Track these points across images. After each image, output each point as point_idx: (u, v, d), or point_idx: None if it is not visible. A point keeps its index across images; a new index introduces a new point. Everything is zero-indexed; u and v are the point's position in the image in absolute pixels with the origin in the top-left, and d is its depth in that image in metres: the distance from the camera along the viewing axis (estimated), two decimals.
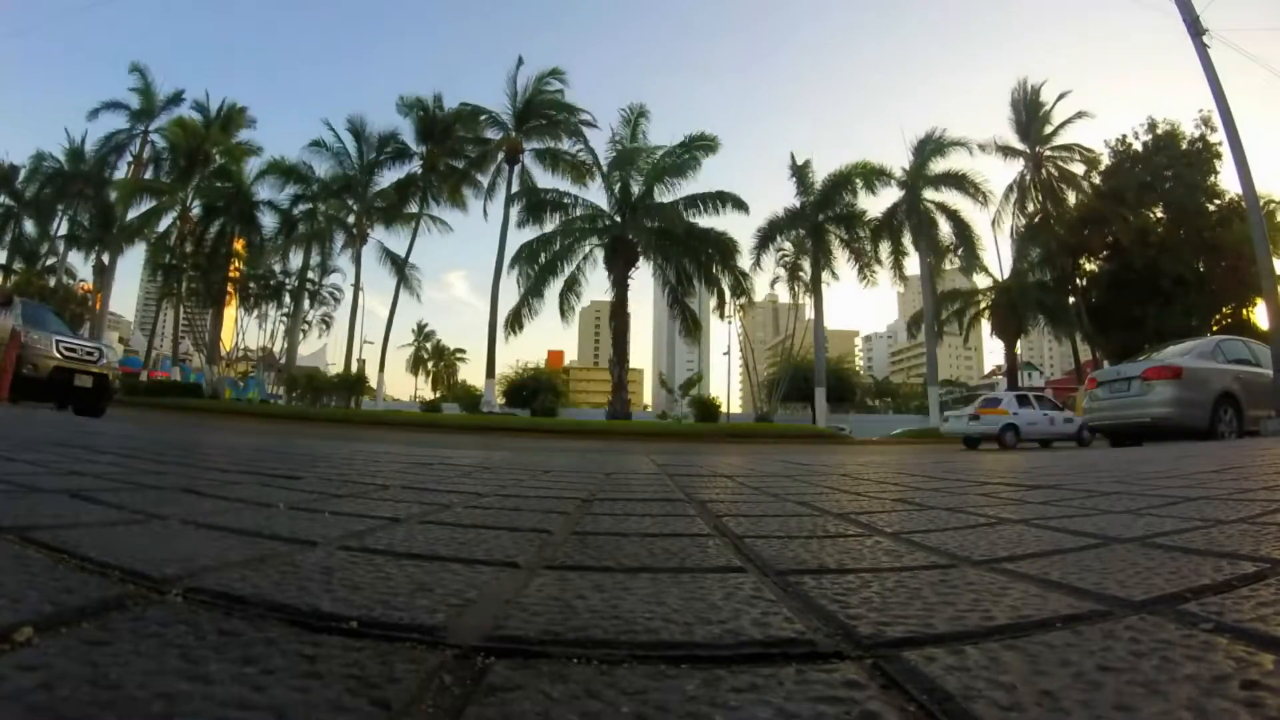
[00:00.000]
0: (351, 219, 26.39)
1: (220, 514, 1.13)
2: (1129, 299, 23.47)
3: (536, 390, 27.28)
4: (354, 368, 27.21)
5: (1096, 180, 26.18)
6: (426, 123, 25.16)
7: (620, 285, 22.43)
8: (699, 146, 22.98)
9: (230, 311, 30.48)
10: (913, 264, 26.29)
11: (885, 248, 25.25)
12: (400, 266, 25.83)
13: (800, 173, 24.82)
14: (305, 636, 0.51)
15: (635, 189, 22.74)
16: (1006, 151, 26.67)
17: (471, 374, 65.83)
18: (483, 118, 25.28)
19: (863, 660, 0.49)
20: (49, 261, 32.47)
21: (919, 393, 45.01)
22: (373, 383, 28.54)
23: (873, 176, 24.41)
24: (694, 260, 22.54)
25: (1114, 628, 0.55)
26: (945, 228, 25.07)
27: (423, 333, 70.26)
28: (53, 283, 30.83)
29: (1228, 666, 0.45)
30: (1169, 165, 24.42)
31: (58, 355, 8.36)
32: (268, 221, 27.58)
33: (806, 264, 24.89)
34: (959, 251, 25.03)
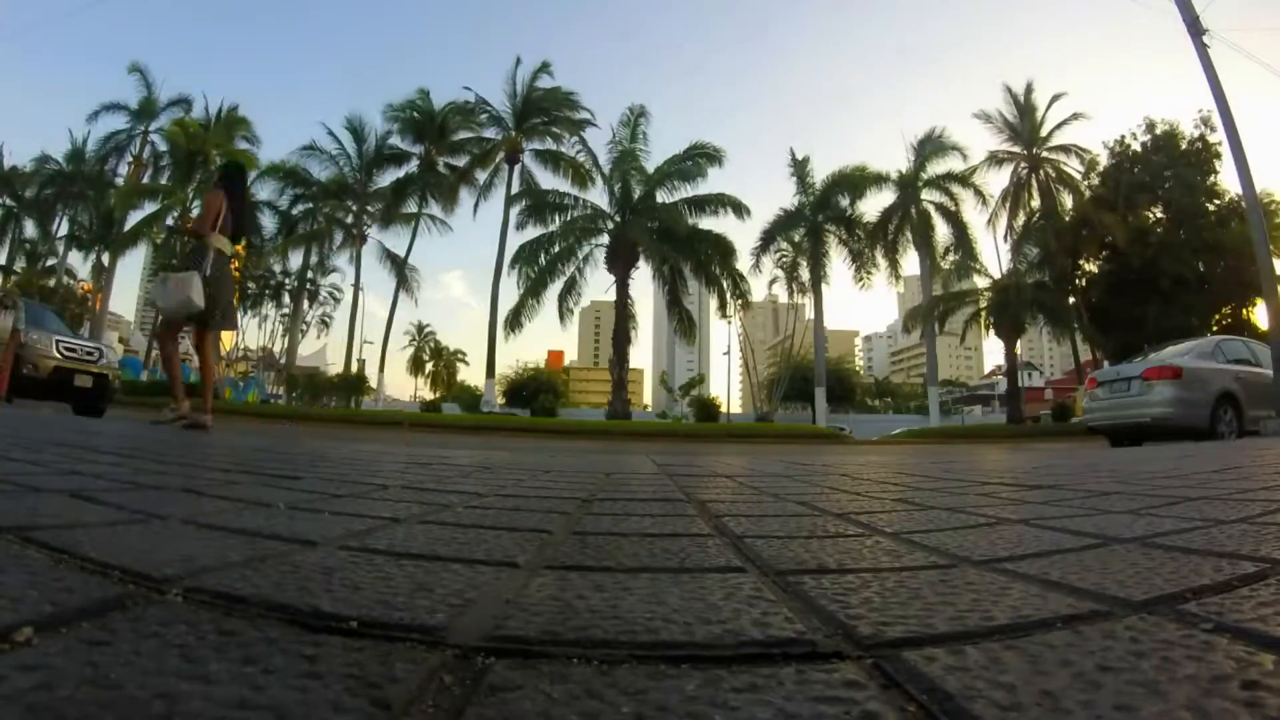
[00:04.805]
0: (350, 219, 26.39)
1: (220, 514, 1.13)
2: (1129, 299, 23.47)
3: (536, 390, 27.30)
4: (354, 368, 27.21)
5: (1095, 181, 26.18)
6: (423, 122, 25.17)
7: (621, 285, 22.46)
8: (702, 155, 23.04)
9: None
10: (912, 264, 26.34)
11: (883, 248, 25.29)
12: (400, 267, 25.84)
13: (800, 169, 24.85)
14: (305, 636, 0.51)
15: (636, 190, 22.76)
16: (1003, 155, 26.67)
17: (471, 374, 65.81)
18: (483, 115, 25.30)
19: (863, 660, 0.49)
20: (49, 262, 32.49)
21: (919, 393, 45.04)
22: (373, 383, 28.55)
23: (870, 182, 24.47)
24: (694, 261, 22.58)
25: (1114, 628, 0.55)
26: (943, 229, 25.11)
27: (422, 333, 70.25)
28: (53, 283, 30.84)
29: (1228, 666, 0.45)
30: (1168, 165, 24.42)
31: (58, 355, 8.36)
32: (267, 222, 27.61)
33: (805, 264, 24.93)
34: (957, 252, 25.05)
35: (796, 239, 25.00)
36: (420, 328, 70.23)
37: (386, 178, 26.49)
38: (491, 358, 24.00)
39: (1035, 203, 26.72)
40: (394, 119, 25.26)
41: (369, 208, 26.20)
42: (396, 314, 31.95)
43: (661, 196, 22.90)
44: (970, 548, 0.96)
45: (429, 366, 70.23)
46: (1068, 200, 26.61)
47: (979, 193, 25.61)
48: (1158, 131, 25.24)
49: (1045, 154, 26.75)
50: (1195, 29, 11.31)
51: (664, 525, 1.21)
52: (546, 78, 24.84)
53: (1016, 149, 26.81)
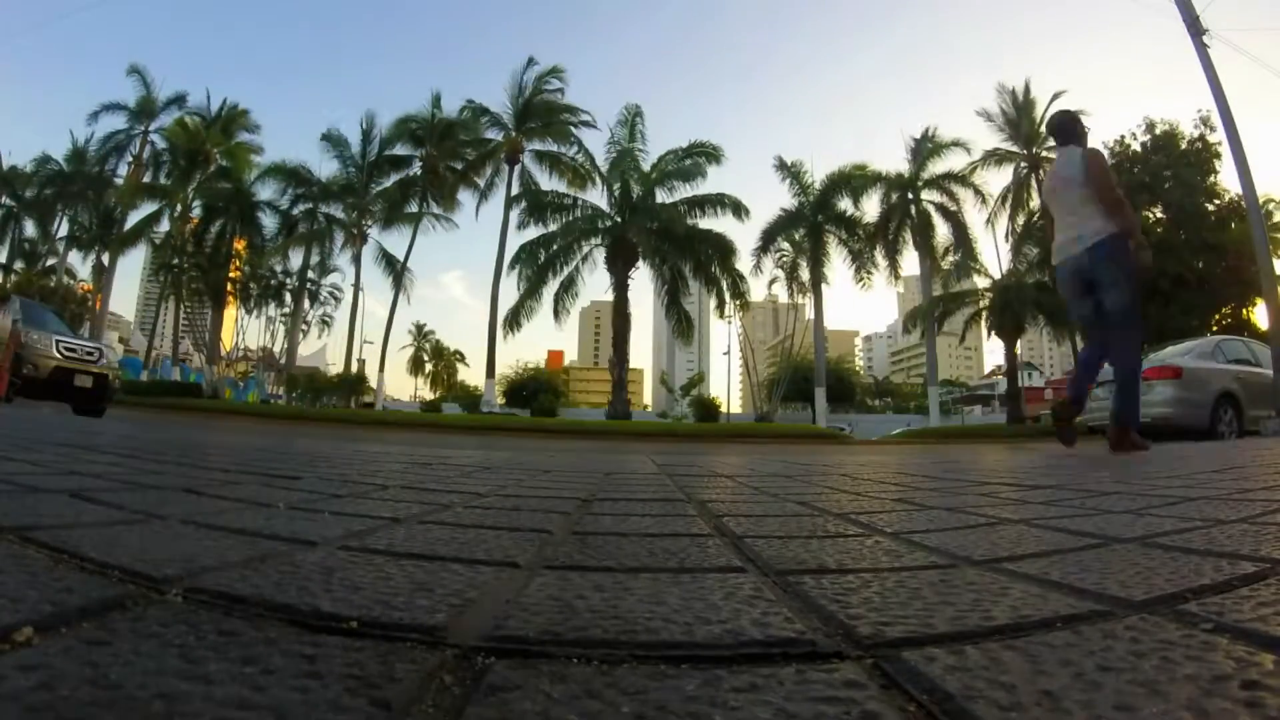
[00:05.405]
0: (353, 216, 26.42)
1: (220, 514, 1.13)
2: None
3: (536, 390, 27.33)
4: (354, 368, 27.22)
5: None
6: (427, 128, 25.23)
7: (620, 285, 22.46)
8: (701, 153, 23.04)
9: (230, 311, 30.47)
10: (911, 264, 26.36)
11: (883, 248, 25.30)
12: (398, 271, 25.87)
13: (789, 173, 24.85)
14: (305, 636, 0.51)
15: (635, 190, 22.77)
16: (1002, 154, 26.67)
17: (471, 374, 65.81)
18: (484, 119, 25.31)
19: (863, 660, 0.49)
20: (49, 262, 32.50)
21: (919, 393, 45.07)
22: (373, 383, 28.57)
23: (870, 181, 24.48)
24: (693, 261, 22.58)
25: (1114, 628, 0.55)
26: (943, 228, 25.12)
27: (422, 333, 70.27)
28: (53, 283, 30.84)
29: (1228, 666, 0.45)
30: (1168, 165, 24.40)
31: (58, 355, 8.37)
32: (268, 222, 27.63)
33: (805, 264, 24.93)
34: (957, 252, 25.06)
35: (796, 239, 25.00)
36: (420, 328, 70.28)
37: (388, 180, 26.51)
38: (491, 358, 24.01)
39: (1035, 202, 26.70)
40: (398, 127, 25.34)
41: (370, 208, 26.22)
42: (397, 314, 32.00)
43: (661, 196, 22.93)
44: (970, 548, 0.96)
45: (429, 366, 70.20)
46: None
47: (979, 192, 25.64)
48: (1157, 131, 25.21)
49: (1045, 153, 26.72)
50: (1195, 29, 11.32)
51: (664, 525, 1.21)
52: (555, 80, 24.85)
53: (1016, 148, 26.81)
